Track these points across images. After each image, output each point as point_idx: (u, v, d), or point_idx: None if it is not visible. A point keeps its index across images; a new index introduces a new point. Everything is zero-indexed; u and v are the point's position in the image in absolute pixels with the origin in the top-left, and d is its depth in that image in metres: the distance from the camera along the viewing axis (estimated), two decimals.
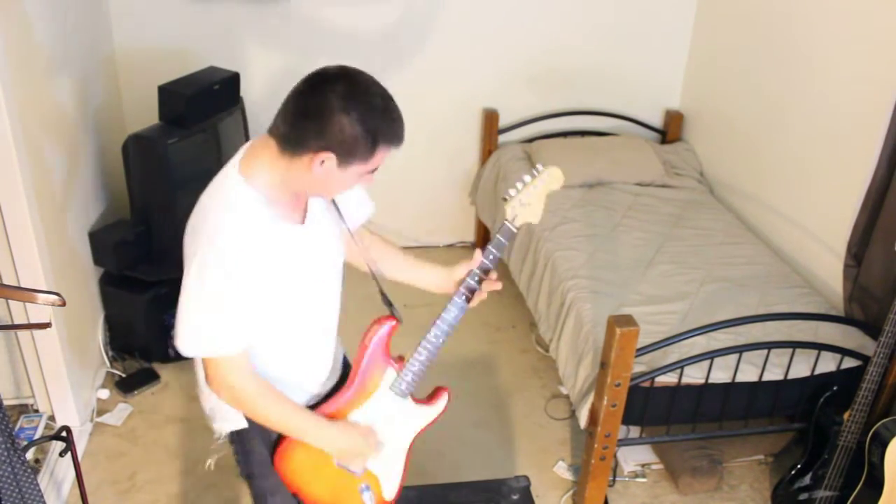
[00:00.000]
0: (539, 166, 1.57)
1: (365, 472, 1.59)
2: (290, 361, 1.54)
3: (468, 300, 1.53)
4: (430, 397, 1.65)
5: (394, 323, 1.56)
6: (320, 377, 1.60)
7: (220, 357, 1.42)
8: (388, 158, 1.41)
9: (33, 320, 2.33)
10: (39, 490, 1.68)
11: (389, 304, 1.62)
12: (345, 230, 1.60)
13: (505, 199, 1.54)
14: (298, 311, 1.50)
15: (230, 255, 1.33)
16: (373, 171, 1.38)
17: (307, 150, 1.34)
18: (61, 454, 2.04)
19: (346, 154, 1.33)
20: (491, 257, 1.55)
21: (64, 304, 1.68)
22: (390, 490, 1.65)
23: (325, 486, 1.57)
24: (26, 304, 2.23)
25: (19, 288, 2.03)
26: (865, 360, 2.16)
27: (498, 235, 1.53)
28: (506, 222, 1.54)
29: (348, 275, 1.68)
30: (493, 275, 1.58)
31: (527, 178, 1.54)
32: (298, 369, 1.57)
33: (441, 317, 1.53)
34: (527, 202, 1.56)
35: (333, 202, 1.57)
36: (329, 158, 1.32)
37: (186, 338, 1.41)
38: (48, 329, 2.18)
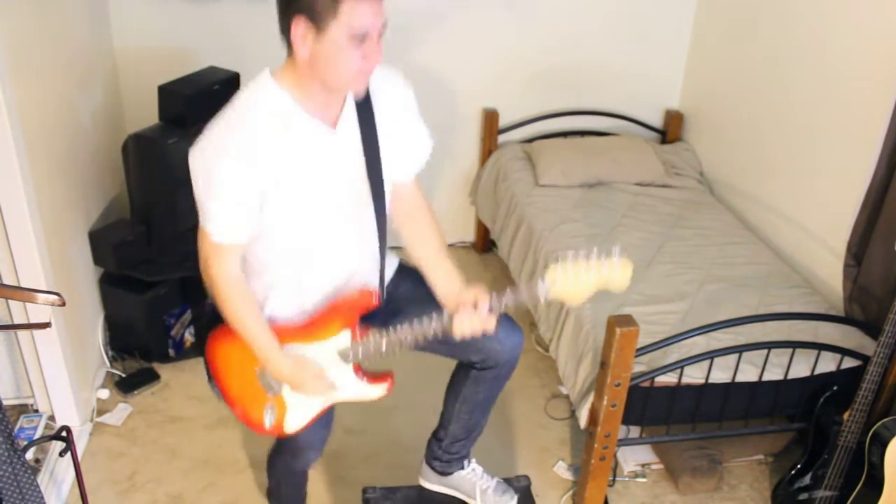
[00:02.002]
0: (616, 249, 1.34)
1: (278, 396, 1.64)
2: (298, 267, 1.57)
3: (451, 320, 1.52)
4: (375, 377, 1.66)
5: (370, 298, 1.59)
6: (325, 290, 1.61)
7: (209, 240, 1.52)
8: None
9: (33, 320, 2.33)
10: (39, 490, 1.68)
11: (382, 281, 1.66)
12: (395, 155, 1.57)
13: (556, 261, 1.34)
14: (311, 215, 1.50)
15: (235, 139, 1.39)
16: (359, 35, 1.33)
17: (287, 32, 1.39)
18: (61, 454, 2.04)
19: (314, 14, 1.33)
20: (503, 303, 1.46)
21: (64, 303, 1.68)
22: (292, 423, 1.67)
23: (239, 383, 1.67)
24: (26, 304, 2.23)
25: (19, 288, 2.03)
26: (865, 359, 2.16)
27: (523, 289, 1.41)
28: (540, 283, 1.37)
29: None
30: (493, 320, 1.51)
31: (593, 255, 1.34)
32: (306, 278, 1.59)
33: (418, 318, 1.52)
34: (574, 278, 1.35)
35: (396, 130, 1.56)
36: (302, 26, 1.35)
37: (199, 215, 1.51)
38: (48, 329, 2.18)
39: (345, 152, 1.50)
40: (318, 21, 1.33)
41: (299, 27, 1.35)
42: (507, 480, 2.06)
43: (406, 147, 1.62)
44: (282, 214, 1.46)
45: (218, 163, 1.39)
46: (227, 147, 1.39)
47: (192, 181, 1.47)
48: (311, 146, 1.45)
